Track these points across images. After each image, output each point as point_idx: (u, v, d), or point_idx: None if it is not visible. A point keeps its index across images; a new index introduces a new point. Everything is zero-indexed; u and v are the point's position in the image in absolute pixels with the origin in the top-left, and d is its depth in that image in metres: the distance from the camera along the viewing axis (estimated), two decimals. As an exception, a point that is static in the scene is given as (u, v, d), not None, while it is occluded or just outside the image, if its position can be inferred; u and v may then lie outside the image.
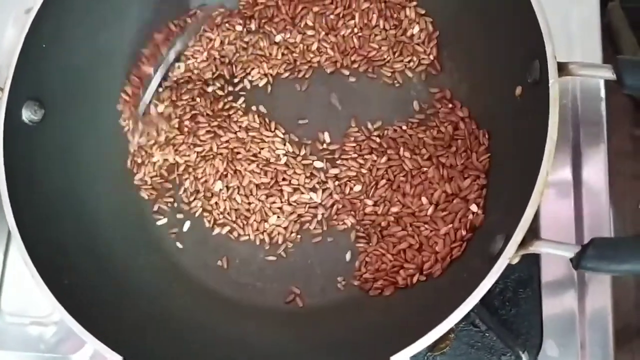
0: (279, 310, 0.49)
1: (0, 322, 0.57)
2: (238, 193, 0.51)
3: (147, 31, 0.55)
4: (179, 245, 0.52)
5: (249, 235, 0.51)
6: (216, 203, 0.52)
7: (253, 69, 0.54)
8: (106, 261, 0.49)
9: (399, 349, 0.36)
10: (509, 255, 0.36)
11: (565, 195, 0.51)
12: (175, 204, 0.53)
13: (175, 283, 0.51)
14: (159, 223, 0.53)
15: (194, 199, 0.53)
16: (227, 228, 0.52)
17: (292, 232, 0.51)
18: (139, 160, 0.54)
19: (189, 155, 0.53)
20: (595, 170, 0.51)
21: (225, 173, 0.52)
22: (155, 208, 0.53)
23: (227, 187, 0.52)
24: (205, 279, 0.51)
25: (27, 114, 0.47)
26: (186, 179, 0.53)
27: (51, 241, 0.45)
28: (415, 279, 0.46)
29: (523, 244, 0.36)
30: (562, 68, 0.38)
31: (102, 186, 0.52)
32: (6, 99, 0.45)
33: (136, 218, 0.53)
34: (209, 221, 0.52)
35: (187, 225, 0.53)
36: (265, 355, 0.45)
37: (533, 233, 0.36)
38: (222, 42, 0.55)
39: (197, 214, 0.53)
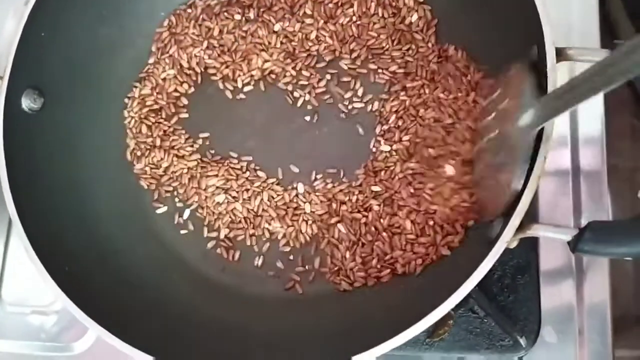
0: (279, 297, 0.49)
1: (1, 311, 0.58)
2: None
3: (146, 23, 0.55)
4: (178, 233, 0.52)
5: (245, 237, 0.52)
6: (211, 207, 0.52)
7: (252, 58, 0.54)
8: (106, 249, 0.49)
9: (399, 331, 0.36)
10: (507, 238, 0.36)
11: (564, 181, 0.51)
12: (175, 193, 0.53)
13: (175, 271, 0.51)
14: (158, 212, 0.53)
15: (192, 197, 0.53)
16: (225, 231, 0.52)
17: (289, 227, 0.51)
18: (139, 153, 0.54)
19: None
20: (594, 155, 0.51)
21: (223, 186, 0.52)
22: (155, 196, 0.53)
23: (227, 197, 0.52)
24: (205, 267, 0.51)
25: (27, 102, 0.47)
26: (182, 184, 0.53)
27: (52, 229, 0.46)
28: (413, 267, 0.46)
29: (521, 227, 0.36)
30: (560, 53, 0.38)
31: (101, 175, 0.52)
32: (6, 87, 0.45)
33: (136, 206, 0.53)
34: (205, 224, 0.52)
35: (186, 214, 0.53)
36: (266, 342, 0.45)
37: (531, 218, 0.37)
38: (220, 31, 0.55)
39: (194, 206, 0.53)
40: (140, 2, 0.55)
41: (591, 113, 0.53)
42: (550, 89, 0.37)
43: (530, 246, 0.50)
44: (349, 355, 0.37)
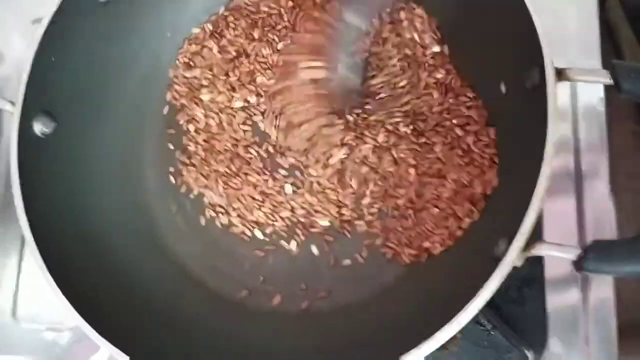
0: (289, 312, 0.50)
1: (16, 328, 0.58)
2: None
3: (154, 43, 0.56)
4: (188, 250, 0.53)
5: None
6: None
7: (257, 77, 0.55)
8: (116, 267, 0.50)
9: (408, 349, 0.37)
10: (512, 259, 0.37)
11: (567, 195, 0.51)
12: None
13: (185, 288, 0.52)
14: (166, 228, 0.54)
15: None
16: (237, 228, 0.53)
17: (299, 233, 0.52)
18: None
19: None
20: (597, 168, 0.52)
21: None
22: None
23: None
24: (214, 283, 0.52)
25: (39, 127, 0.48)
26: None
27: (64, 249, 0.46)
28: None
29: (526, 247, 0.37)
30: (561, 73, 0.39)
31: (111, 194, 0.53)
32: (19, 113, 0.46)
33: (144, 224, 0.54)
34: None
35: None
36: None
37: (536, 235, 0.37)
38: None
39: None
40: (148, 22, 0.56)
41: (593, 123, 0.54)
42: (551, 110, 0.38)
43: (535, 258, 0.50)
44: None
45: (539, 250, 0.37)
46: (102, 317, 0.42)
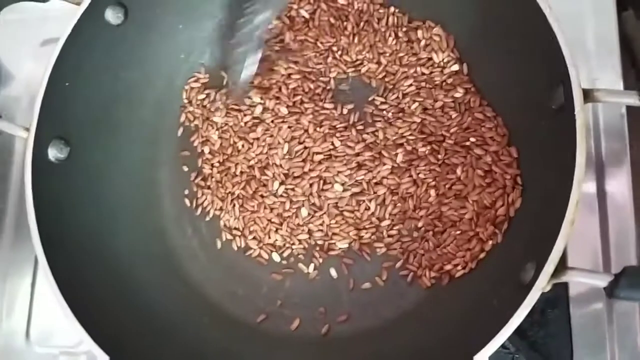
0: (308, 336, 0.49)
1: (29, 352, 0.58)
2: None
3: (165, 65, 0.56)
4: (205, 275, 0.53)
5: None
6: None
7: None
8: (132, 294, 0.49)
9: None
10: (542, 285, 0.36)
11: (591, 216, 0.50)
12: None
13: (202, 312, 0.51)
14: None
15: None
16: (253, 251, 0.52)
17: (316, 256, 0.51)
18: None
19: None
20: (620, 187, 0.51)
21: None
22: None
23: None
24: (232, 306, 0.51)
25: (53, 153, 0.47)
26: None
27: (78, 274, 0.46)
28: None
29: (555, 273, 0.36)
30: (587, 95, 0.38)
31: (126, 217, 0.53)
32: (32, 140, 0.46)
33: (161, 249, 0.54)
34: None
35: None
36: None
37: (563, 262, 0.36)
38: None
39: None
40: (162, 44, 0.55)
41: (615, 140, 0.53)
42: (580, 132, 0.37)
43: (559, 280, 0.50)
44: None
45: (569, 277, 0.36)
46: (117, 343, 0.42)
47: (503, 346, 0.49)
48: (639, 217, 0.51)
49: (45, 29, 0.64)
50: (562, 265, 0.36)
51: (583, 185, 0.51)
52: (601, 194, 0.51)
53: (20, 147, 0.63)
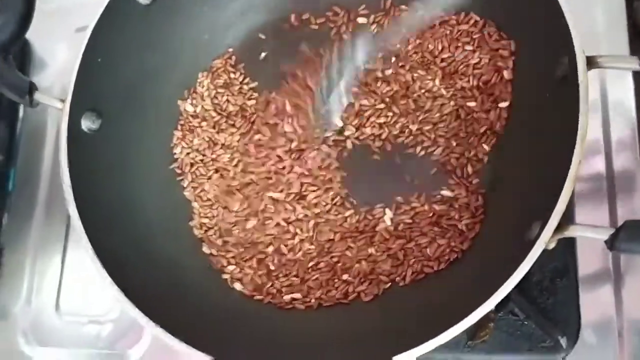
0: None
1: (59, 321, 0.61)
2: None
3: (193, 50, 0.59)
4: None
5: None
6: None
7: None
8: (158, 263, 0.51)
9: (438, 333, 0.38)
10: (546, 239, 0.37)
11: (598, 181, 0.52)
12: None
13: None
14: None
15: None
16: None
17: None
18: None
19: None
20: (627, 154, 0.53)
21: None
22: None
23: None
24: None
25: (87, 124, 0.50)
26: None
27: (109, 238, 0.48)
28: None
29: (559, 228, 0.37)
30: (591, 62, 0.40)
31: (152, 190, 0.55)
32: (68, 110, 0.49)
33: (182, 220, 0.56)
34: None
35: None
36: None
37: (568, 219, 0.38)
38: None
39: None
40: (187, 24, 0.58)
41: (622, 112, 0.54)
42: (582, 97, 0.39)
43: (568, 249, 0.51)
44: (389, 356, 0.38)
45: (572, 231, 0.38)
46: (147, 302, 0.44)
47: (512, 313, 0.51)
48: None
49: (80, 17, 0.66)
50: (566, 222, 0.38)
51: (592, 153, 0.53)
52: (609, 163, 0.53)
53: (52, 129, 0.66)
